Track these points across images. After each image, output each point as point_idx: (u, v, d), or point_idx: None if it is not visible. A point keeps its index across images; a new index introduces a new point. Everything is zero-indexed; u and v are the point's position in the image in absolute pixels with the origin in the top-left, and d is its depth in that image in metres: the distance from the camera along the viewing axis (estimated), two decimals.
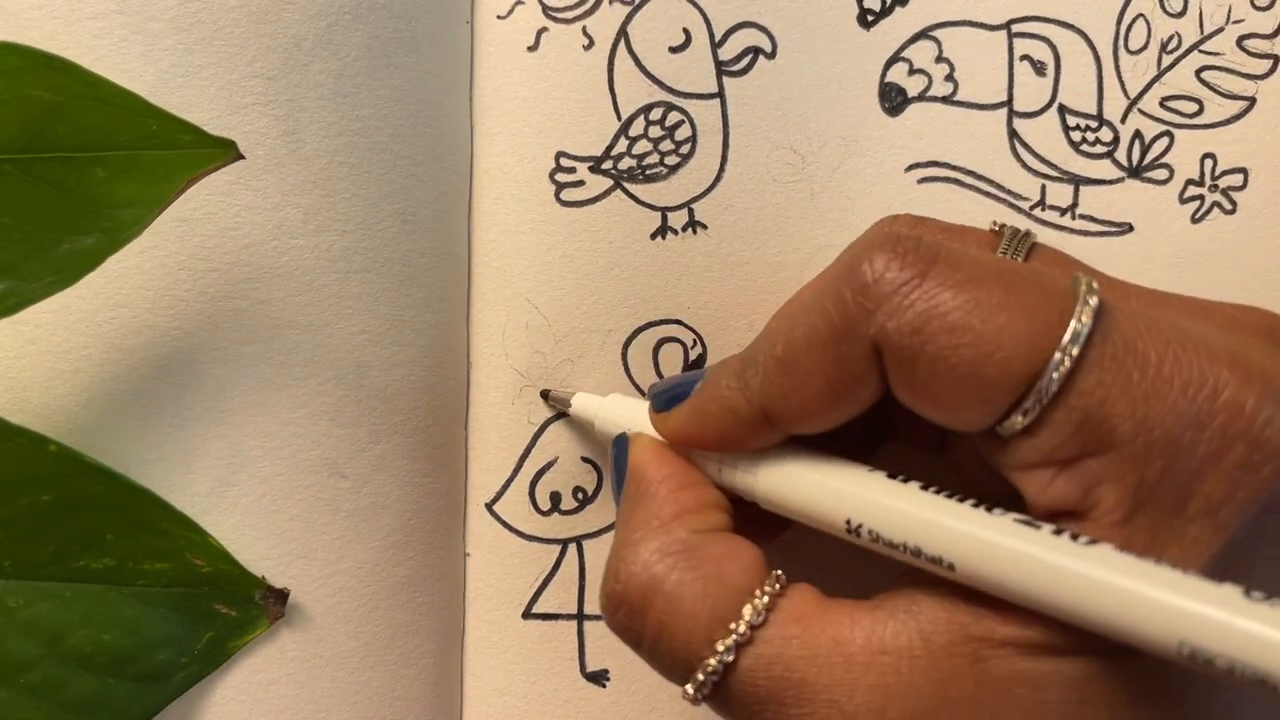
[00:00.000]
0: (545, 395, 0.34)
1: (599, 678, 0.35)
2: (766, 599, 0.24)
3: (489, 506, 0.34)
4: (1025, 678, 0.22)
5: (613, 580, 0.26)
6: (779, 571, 0.25)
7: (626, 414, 0.30)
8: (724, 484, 0.28)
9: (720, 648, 0.24)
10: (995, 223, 0.29)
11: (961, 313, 0.22)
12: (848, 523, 0.25)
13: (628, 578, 0.26)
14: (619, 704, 0.35)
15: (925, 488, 0.24)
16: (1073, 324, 0.22)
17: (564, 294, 0.34)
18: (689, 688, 0.25)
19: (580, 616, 0.35)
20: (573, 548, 0.35)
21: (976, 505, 0.23)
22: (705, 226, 0.34)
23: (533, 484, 0.34)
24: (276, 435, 0.31)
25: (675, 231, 0.34)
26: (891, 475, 0.25)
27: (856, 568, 0.25)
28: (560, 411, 0.34)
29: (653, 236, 0.34)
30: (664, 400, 0.28)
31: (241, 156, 0.27)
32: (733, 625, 0.24)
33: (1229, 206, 0.34)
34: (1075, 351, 0.22)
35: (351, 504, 0.32)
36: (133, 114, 0.26)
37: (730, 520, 0.27)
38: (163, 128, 0.26)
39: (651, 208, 0.34)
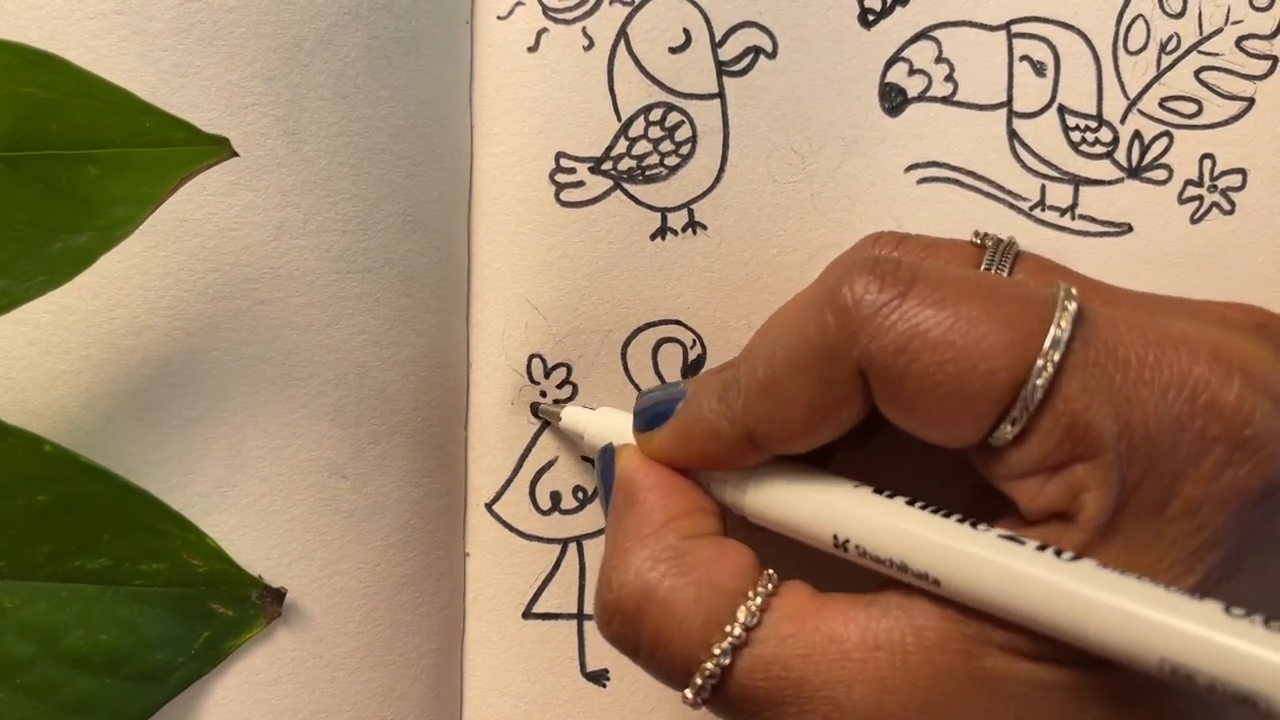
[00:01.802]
0: (534, 409, 0.34)
1: (599, 677, 0.35)
2: (759, 600, 0.24)
3: (489, 506, 0.34)
4: (1020, 676, 0.22)
5: (606, 590, 0.26)
6: (770, 571, 0.25)
7: (615, 427, 0.30)
8: (713, 497, 0.28)
9: (716, 651, 0.24)
10: (977, 234, 0.29)
11: (943, 329, 0.22)
12: (834, 538, 0.25)
13: (620, 587, 0.26)
14: (619, 704, 0.35)
15: (911, 503, 0.24)
16: (1052, 330, 0.22)
17: (564, 294, 0.34)
18: (688, 693, 0.25)
19: (580, 616, 0.34)
20: (573, 547, 0.34)
21: (962, 521, 0.23)
22: (705, 227, 0.34)
23: (533, 484, 0.34)
24: (277, 435, 0.31)
25: (675, 232, 0.34)
26: (878, 491, 0.25)
27: (850, 563, 0.25)
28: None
29: (652, 237, 0.34)
30: (645, 420, 0.28)
31: (235, 154, 0.26)
32: (727, 628, 0.24)
33: (1228, 207, 0.34)
34: (1056, 357, 0.22)
35: (351, 504, 0.32)
36: (125, 111, 0.26)
37: (721, 523, 0.27)
38: (156, 125, 0.26)
39: (651, 208, 0.34)
